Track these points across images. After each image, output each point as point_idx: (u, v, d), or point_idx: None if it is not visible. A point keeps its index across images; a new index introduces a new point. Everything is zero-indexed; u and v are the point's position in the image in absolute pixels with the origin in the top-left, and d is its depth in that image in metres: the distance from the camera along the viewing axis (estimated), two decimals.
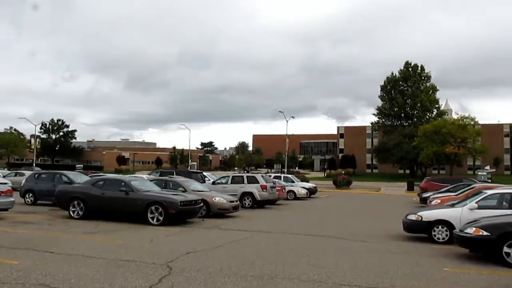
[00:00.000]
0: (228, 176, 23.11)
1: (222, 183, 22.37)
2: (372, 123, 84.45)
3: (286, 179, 32.55)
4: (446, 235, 10.93)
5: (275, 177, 31.36)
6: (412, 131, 68.74)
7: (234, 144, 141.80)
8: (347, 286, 6.69)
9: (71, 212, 14.72)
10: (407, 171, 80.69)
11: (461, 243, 9.13)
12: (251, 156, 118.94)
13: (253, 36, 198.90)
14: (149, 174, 27.95)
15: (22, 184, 20.50)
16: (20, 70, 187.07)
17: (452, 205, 12.00)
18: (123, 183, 14.57)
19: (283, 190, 25.36)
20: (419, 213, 11.47)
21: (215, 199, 16.49)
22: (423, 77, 78.58)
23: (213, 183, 23.00)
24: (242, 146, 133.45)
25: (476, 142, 56.63)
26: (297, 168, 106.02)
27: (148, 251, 9.01)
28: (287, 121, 50.73)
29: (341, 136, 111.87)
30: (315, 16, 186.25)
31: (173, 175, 26.14)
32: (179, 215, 13.79)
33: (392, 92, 79.48)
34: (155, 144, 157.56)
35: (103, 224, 13.35)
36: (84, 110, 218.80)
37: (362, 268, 7.99)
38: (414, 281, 7.10)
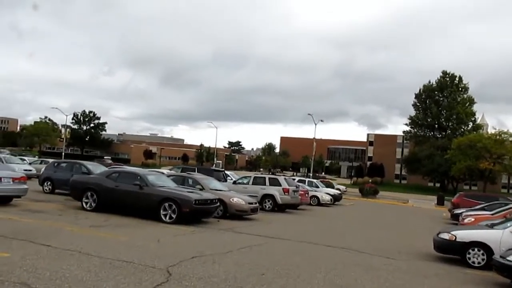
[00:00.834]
0: (250, 177, 22.32)
1: (243, 183, 21.61)
2: (404, 132, 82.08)
3: (311, 184, 31.57)
4: (483, 259, 9.79)
5: (299, 181, 30.45)
6: (445, 143, 66.33)
7: (261, 145, 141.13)
8: None
9: (84, 203, 14.23)
10: (437, 184, 78.14)
11: (502, 272, 8.02)
12: (277, 158, 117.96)
13: (289, 38, 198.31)
14: (170, 170, 27.50)
15: (41, 172, 20.31)
16: (61, 63, 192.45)
17: (491, 226, 10.81)
18: (138, 177, 13.98)
19: (306, 195, 24.41)
20: (453, 232, 10.36)
21: (233, 200, 15.73)
22: (460, 88, 75.86)
23: (234, 182, 22.25)
24: (269, 147, 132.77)
25: None
26: (323, 173, 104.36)
27: (151, 252, 8.30)
28: (315, 124, 49.67)
29: (371, 143, 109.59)
30: (352, 21, 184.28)
31: (195, 172, 25.63)
32: (193, 214, 13.09)
33: (427, 101, 77.10)
34: (183, 140, 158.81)
35: (114, 218, 12.78)
36: (119, 104, 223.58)
37: None
38: None
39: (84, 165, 19.50)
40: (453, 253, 10.34)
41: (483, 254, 9.81)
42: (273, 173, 73.93)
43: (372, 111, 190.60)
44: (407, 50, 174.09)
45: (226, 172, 35.98)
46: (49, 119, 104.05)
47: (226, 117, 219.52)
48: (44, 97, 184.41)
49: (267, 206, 20.38)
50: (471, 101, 74.44)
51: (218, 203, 14.57)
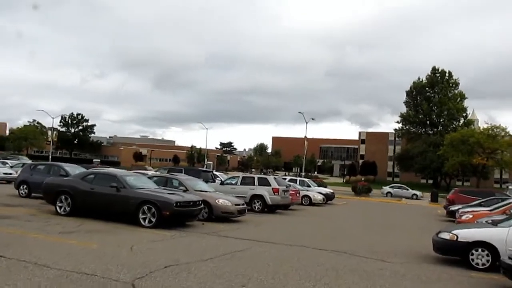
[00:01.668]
0: (238, 177, 21.39)
1: (232, 184, 20.70)
2: (395, 129, 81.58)
3: (302, 183, 30.75)
4: (487, 260, 8.96)
5: (291, 180, 29.61)
6: (438, 139, 65.93)
7: (254, 145, 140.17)
8: None
9: (57, 208, 13.25)
10: (430, 181, 77.73)
11: (511, 274, 7.19)
12: (269, 158, 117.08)
13: (281, 39, 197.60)
14: (156, 171, 26.50)
15: (17, 175, 19.23)
16: (52, 67, 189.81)
17: (494, 224, 9.99)
18: (115, 178, 13.01)
19: (297, 195, 23.56)
20: (454, 231, 9.52)
21: (218, 201, 14.81)
22: (451, 84, 75.53)
23: (222, 183, 21.31)
24: (261, 147, 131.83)
25: (505, 154, 53.49)
26: (315, 172, 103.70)
27: (119, 262, 7.37)
28: (306, 122, 48.81)
29: (363, 141, 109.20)
30: (343, 21, 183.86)
31: (181, 172, 24.69)
32: (175, 217, 12.17)
33: (418, 98, 76.70)
34: (174, 142, 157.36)
35: (88, 223, 11.82)
36: (111, 107, 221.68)
37: None
38: None
39: (62, 167, 18.46)
40: (455, 254, 9.51)
41: (487, 255, 8.98)
42: (264, 173, 73.09)
43: (364, 110, 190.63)
44: (398, 48, 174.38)
45: (216, 172, 35.04)
46: (38, 123, 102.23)
47: (219, 118, 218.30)
48: (35, 101, 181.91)
49: (256, 207, 19.51)
50: (462, 97, 74.13)
51: (202, 205, 13.66)
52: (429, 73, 76.73)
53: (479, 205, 20.88)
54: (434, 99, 74.48)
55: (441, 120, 74.79)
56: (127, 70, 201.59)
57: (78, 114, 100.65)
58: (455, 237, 9.36)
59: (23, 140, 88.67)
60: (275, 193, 19.69)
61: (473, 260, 9.10)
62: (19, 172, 19.57)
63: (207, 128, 74.76)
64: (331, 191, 31.97)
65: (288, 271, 7.78)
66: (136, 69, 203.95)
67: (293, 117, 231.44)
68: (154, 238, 10.24)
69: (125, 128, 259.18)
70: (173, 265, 7.42)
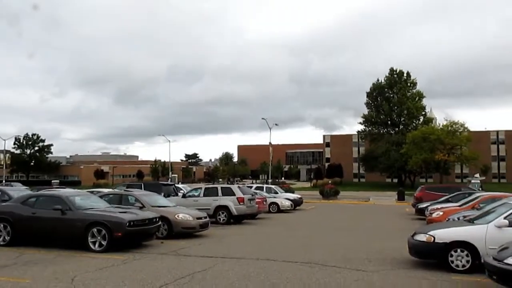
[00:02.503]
0: (201, 188, 20.27)
1: (194, 196, 19.60)
2: (358, 131, 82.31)
3: (269, 190, 29.93)
4: (467, 261, 8.32)
5: (257, 188, 28.77)
6: (400, 138, 66.80)
7: (219, 155, 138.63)
8: None
9: None
10: (395, 180, 78.62)
11: (499, 277, 6.50)
12: (235, 167, 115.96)
13: (243, 49, 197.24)
14: (113, 188, 25.02)
15: None
16: (6, 86, 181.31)
17: (471, 221, 9.41)
18: (58, 200, 11.71)
19: (264, 203, 22.65)
20: (431, 232, 8.84)
21: (178, 216, 13.71)
22: (409, 84, 76.86)
23: (184, 196, 20.14)
24: (226, 157, 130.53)
25: (465, 149, 54.69)
26: (283, 178, 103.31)
27: None
28: (270, 128, 48.20)
29: (327, 145, 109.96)
30: (303, 29, 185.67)
31: (141, 187, 23.35)
32: (128, 238, 10.99)
33: (378, 99, 77.64)
34: (137, 157, 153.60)
35: (29, 253, 10.49)
36: (71, 126, 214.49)
37: None
38: None
39: (3, 191, 16.79)
40: (433, 256, 8.82)
41: (467, 255, 8.34)
42: (231, 182, 71.93)
43: (327, 114, 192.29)
44: (356, 53, 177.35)
45: (180, 185, 33.71)
46: None
47: (184, 131, 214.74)
48: None
49: (221, 219, 18.53)
50: (420, 96, 75.56)
51: (160, 222, 12.52)
52: (387, 74, 78.00)
53: (447, 201, 20.67)
54: (394, 99, 75.59)
55: (402, 120, 75.93)
56: (87, 88, 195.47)
57: (33, 135, 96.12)
58: (432, 238, 8.69)
59: None
60: (240, 203, 18.76)
61: (452, 262, 8.45)
62: None
63: (169, 141, 72.99)
64: (299, 196, 31.29)
65: None
66: (97, 86, 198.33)
67: (257, 125, 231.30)
68: (103, 264, 9.07)
69: (87, 146, 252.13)
70: None
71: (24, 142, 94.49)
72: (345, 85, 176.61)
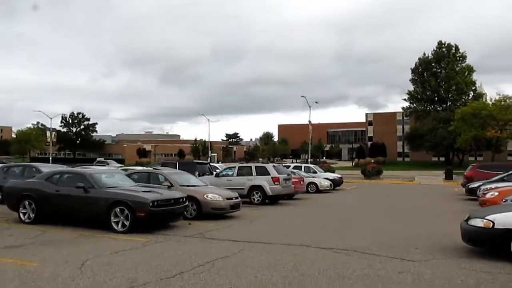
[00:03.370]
0: (234, 167, 19.49)
1: (227, 175, 18.85)
2: (403, 108, 79.02)
3: (308, 170, 28.86)
4: None
5: (295, 167, 27.78)
6: (448, 115, 63.34)
7: (260, 135, 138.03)
8: None
9: (21, 215, 11.57)
10: (442, 159, 75.30)
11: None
12: (275, 146, 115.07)
13: (286, 27, 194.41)
14: (148, 166, 24.74)
15: None
16: (58, 68, 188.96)
17: None
18: (82, 177, 11.22)
19: (301, 182, 21.64)
20: (489, 217, 7.57)
21: (207, 196, 12.98)
22: (458, 58, 72.64)
23: (217, 175, 19.43)
24: (267, 136, 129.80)
25: None
26: (324, 157, 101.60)
27: None
28: (310, 106, 46.56)
29: (370, 123, 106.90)
30: (347, 6, 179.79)
31: (176, 166, 22.89)
32: (151, 218, 10.35)
33: (425, 74, 73.96)
34: (179, 136, 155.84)
35: (50, 232, 10.07)
36: (118, 105, 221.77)
37: None
38: None
39: (37, 168, 16.72)
40: (491, 245, 7.58)
41: None
42: (272, 162, 71.16)
43: (371, 91, 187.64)
44: (402, 29, 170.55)
45: (217, 164, 33.29)
46: (42, 124, 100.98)
47: (225, 111, 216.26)
48: (43, 104, 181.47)
49: (255, 199, 17.74)
50: (470, 70, 71.24)
51: (187, 202, 11.82)
52: (435, 48, 73.84)
53: (502, 180, 18.86)
54: (441, 74, 71.67)
55: (450, 96, 72.05)
56: (134, 68, 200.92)
57: (78, 113, 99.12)
58: (491, 223, 7.43)
59: (25, 143, 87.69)
60: (276, 183, 17.86)
61: None
62: None
63: (209, 120, 72.93)
64: (339, 176, 30.07)
65: (279, 282, 5.94)
66: (143, 66, 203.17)
67: (300, 105, 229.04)
68: (122, 247, 8.44)
69: (133, 126, 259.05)
70: None
71: (70, 121, 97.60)
72: (390, 62, 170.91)
